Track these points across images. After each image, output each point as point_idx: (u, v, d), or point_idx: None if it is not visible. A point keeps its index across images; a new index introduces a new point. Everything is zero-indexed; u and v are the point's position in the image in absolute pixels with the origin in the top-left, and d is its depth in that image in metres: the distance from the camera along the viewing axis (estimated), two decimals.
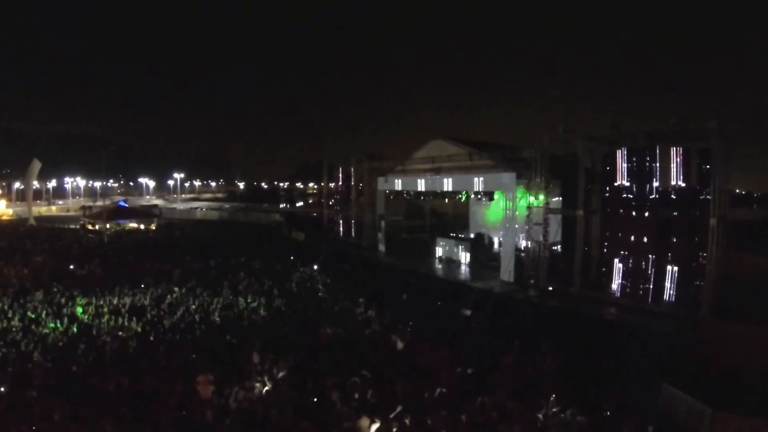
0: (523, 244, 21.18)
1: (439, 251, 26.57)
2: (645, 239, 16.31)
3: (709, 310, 14.46)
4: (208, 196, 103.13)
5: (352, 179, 32.90)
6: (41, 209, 55.95)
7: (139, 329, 13.40)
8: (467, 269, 24.09)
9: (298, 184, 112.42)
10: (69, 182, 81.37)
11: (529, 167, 19.94)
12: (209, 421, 7.99)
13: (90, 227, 37.31)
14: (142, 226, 39.16)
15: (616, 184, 17.10)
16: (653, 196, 16.13)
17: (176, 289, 17.42)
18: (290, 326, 13.97)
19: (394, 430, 7.42)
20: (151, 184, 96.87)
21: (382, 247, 29.58)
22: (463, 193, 26.26)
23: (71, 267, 21.88)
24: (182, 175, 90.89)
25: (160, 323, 13.94)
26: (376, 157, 31.96)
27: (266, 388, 9.17)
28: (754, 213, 49.77)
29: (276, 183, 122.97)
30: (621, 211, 16.98)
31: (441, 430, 7.52)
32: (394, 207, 30.02)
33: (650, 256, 16.12)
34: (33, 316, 14.21)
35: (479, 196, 26.15)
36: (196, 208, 62.65)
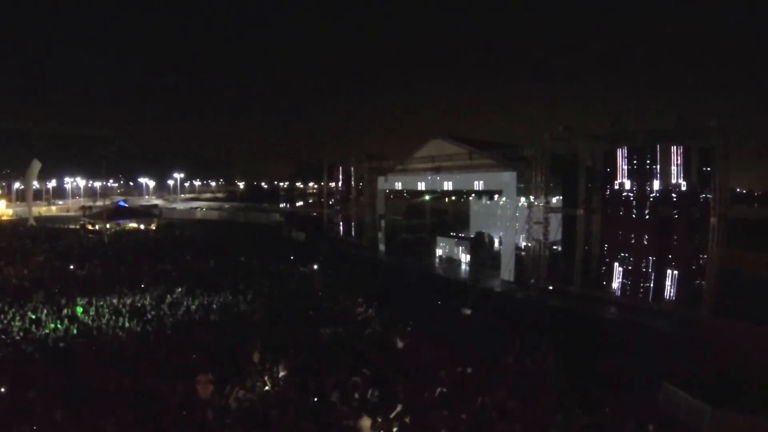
0: (523, 243, 21.18)
1: (439, 251, 26.57)
2: (645, 238, 16.30)
3: (709, 309, 14.46)
4: (208, 195, 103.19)
5: (352, 179, 32.91)
6: (41, 209, 55.88)
7: (140, 329, 13.40)
8: (467, 268, 24.09)
9: (298, 184, 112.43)
10: (69, 182, 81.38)
11: (530, 166, 19.94)
12: (209, 421, 7.98)
13: (90, 227, 37.27)
14: (142, 226, 39.14)
15: (616, 182, 17.09)
16: (654, 194, 16.12)
17: (176, 289, 17.42)
18: (290, 326, 13.96)
19: (395, 429, 7.42)
20: (151, 184, 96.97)
21: (382, 247, 29.60)
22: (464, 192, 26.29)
23: (71, 267, 21.87)
24: (182, 175, 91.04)
25: (160, 323, 13.94)
26: (376, 156, 31.94)
27: (266, 388, 9.18)
28: (755, 211, 49.77)
29: (276, 183, 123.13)
30: (621, 209, 16.97)
31: (441, 429, 7.52)
32: (394, 206, 30.00)
33: (651, 254, 16.12)
34: (33, 316, 14.21)
35: (480, 196, 26.15)
36: (196, 208, 62.62)
